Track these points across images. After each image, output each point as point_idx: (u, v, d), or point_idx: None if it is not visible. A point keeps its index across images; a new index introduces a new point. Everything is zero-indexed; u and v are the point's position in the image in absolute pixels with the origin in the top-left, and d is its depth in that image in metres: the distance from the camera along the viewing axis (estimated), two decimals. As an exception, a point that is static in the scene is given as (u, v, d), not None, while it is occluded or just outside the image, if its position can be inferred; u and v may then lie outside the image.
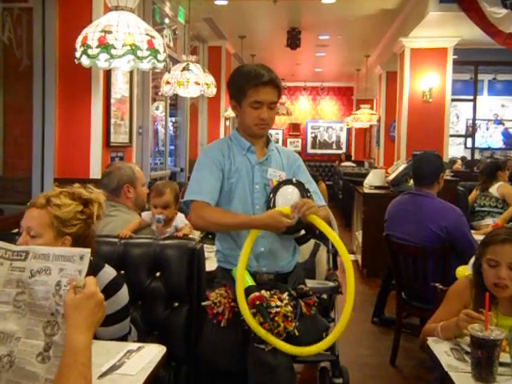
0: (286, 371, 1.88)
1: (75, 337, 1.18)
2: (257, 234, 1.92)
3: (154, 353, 1.68)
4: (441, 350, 1.78)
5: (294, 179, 2.04)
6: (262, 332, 1.84)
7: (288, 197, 1.96)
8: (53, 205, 1.72)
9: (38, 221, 1.72)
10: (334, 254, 3.14)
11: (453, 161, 9.47)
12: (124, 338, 1.86)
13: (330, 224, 3.08)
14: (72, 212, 1.74)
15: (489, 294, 1.75)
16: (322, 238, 3.16)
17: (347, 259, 1.90)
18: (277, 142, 13.63)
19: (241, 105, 2.04)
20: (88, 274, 1.68)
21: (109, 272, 1.83)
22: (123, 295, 1.84)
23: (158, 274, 2.17)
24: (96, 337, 1.73)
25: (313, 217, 1.90)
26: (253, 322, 1.84)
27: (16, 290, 1.26)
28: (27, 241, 1.71)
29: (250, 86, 1.99)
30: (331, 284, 2.81)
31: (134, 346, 1.72)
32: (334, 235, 1.97)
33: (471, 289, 2.00)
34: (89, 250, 1.25)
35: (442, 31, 6.88)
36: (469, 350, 1.66)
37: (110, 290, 1.78)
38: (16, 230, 3.12)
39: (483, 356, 1.54)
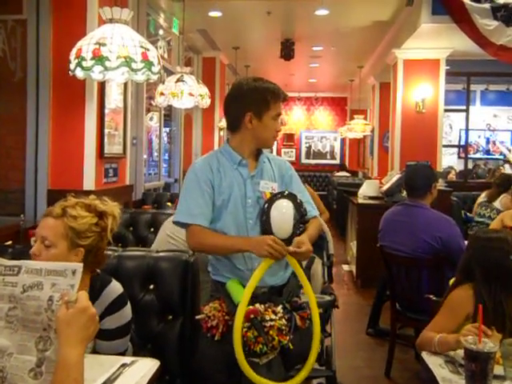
0: (280, 385, 1.87)
1: (67, 352, 1.17)
2: (267, 267, 1.91)
3: (147, 367, 1.66)
4: (435, 362, 1.78)
5: (286, 192, 2.04)
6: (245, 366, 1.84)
7: (283, 210, 1.96)
8: (69, 216, 1.74)
9: (54, 230, 1.74)
10: (329, 266, 3.13)
11: (447, 171, 9.49)
12: (122, 354, 1.85)
13: (323, 235, 3.11)
14: (87, 224, 1.76)
15: (482, 307, 1.75)
16: (317, 251, 3.15)
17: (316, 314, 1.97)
18: (271, 152, 13.61)
19: (261, 118, 2.07)
20: (96, 288, 1.72)
21: (116, 287, 1.84)
22: (127, 312, 1.85)
23: (151, 286, 2.16)
24: (95, 350, 1.75)
25: (293, 262, 1.96)
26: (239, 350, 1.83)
27: (8, 305, 1.25)
28: (41, 249, 1.73)
29: (275, 100, 2.10)
30: (328, 298, 2.80)
31: (127, 359, 1.71)
32: (309, 287, 2.01)
33: (474, 296, 2.02)
34: (81, 265, 1.24)
35: (434, 43, 6.94)
36: (463, 362, 1.66)
37: (115, 305, 1.80)
38: (9, 242, 3.12)
39: (477, 369, 1.54)
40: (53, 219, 1.75)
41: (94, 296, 1.75)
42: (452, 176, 9.69)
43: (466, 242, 3.36)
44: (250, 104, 2.08)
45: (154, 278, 2.17)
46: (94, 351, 1.79)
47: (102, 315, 1.75)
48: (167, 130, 7.96)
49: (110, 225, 1.81)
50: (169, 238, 3.01)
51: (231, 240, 2.01)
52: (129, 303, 1.87)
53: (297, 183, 2.17)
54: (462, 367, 1.68)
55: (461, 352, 1.70)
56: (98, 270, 1.87)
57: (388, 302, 3.87)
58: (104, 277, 1.87)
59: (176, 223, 2.09)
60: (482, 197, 5.09)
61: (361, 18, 7.12)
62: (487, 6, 5.54)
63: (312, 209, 2.13)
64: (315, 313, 1.98)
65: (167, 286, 2.17)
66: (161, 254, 2.27)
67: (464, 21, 5.66)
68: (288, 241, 1.92)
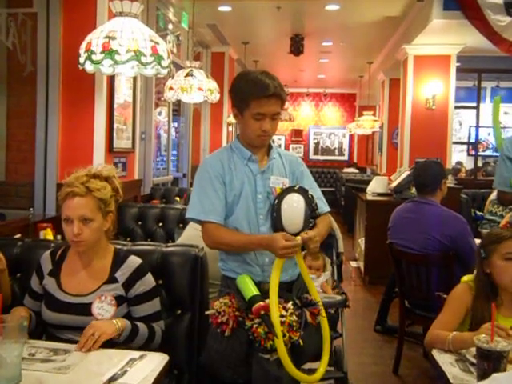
0: (290, 382, 1.86)
1: None
2: (282, 264, 1.90)
3: (156, 361, 1.67)
4: (446, 360, 1.76)
5: (297, 186, 2.02)
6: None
7: (294, 205, 1.94)
8: (95, 190, 1.95)
9: (88, 207, 1.93)
10: (339, 265, 3.10)
11: (457, 169, 9.41)
12: (157, 317, 2.01)
13: (332, 232, 3.08)
14: (109, 191, 2.01)
15: (494, 305, 1.74)
16: (326, 249, 3.13)
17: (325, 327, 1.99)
18: (279, 147, 13.60)
19: (243, 115, 2.02)
20: (120, 257, 2.02)
21: (137, 258, 2.04)
22: (152, 278, 2.04)
23: (160, 281, 2.15)
24: (130, 315, 1.93)
25: (300, 261, 1.96)
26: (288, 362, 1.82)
27: None
28: (82, 228, 1.91)
29: (254, 97, 1.95)
30: (339, 298, 2.76)
31: (136, 354, 1.72)
32: (312, 286, 2.02)
33: (471, 293, 2.05)
34: None
35: (445, 38, 6.88)
36: (474, 361, 1.64)
37: (141, 271, 2.01)
38: (19, 236, 3.12)
39: (489, 368, 1.52)
40: (81, 198, 1.93)
41: (119, 264, 2.00)
42: (462, 174, 9.62)
43: (476, 240, 3.36)
44: (234, 99, 2.06)
45: (163, 272, 2.17)
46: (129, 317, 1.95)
47: (131, 281, 1.97)
48: (176, 124, 7.96)
49: (118, 184, 2.06)
50: (198, 232, 3.02)
51: (246, 239, 1.99)
52: (149, 273, 2.04)
53: (308, 179, 2.15)
54: (473, 366, 1.67)
55: (472, 350, 1.69)
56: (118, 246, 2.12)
57: (396, 299, 3.85)
58: (124, 251, 2.10)
59: (189, 219, 2.08)
60: (494, 194, 5.02)
61: (371, 13, 7.08)
62: (500, 1, 5.48)
63: (323, 205, 2.11)
64: (322, 311, 1.99)
65: (176, 280, 2.17)
66: (170, 248, 2.27)
67: (476, 17, 5.60)
68: (298, 236, 1.91)
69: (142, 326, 1.92)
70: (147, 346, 1.90)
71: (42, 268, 2.04)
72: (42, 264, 2.05)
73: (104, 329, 1.77)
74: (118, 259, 2.02)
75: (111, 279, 1.97)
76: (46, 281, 2.01)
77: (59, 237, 3.25)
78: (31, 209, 3.72)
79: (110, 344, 1.80)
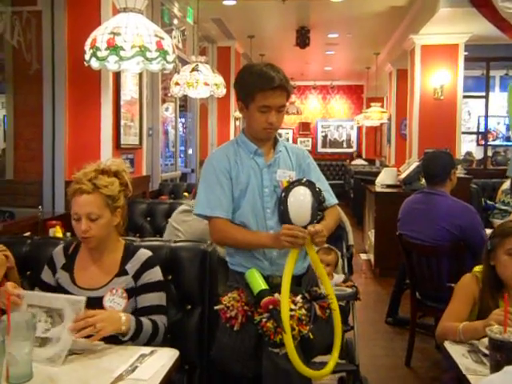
0: (300, 376, 1.85)
1: None
2: (295, 260, 1.89)
3: (167, 357, 1.67)
4: (458, 352, 1.75)
5: (304, 179, 2.00)
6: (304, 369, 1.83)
7: (300, 198, 1.92)
8: (102, 187, 1.94)
9: (96, 204, 1.93)
10: (349, 258, 3.08)
11: (469, 160, 9.33)
12: (160, 310, 1.98)
13: (342, 225, 3.06)
14: (117, 187, 1.99)
15: (507, 296, 1.72)
16: (336, 242, 3.11)
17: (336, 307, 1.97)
18: (287, 141, 13.58)
19: (248, 108, 2.01)
20: (130, 251, 2.03)
21: (147, 250, 2.05)
22: (160, 271, 2.03)
23: (169, 277, 2.15)
24: (136, 306, 1.93)
25: (312, 252, 1.94)
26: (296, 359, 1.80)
27: None
28: (90, 225, 1.92)
29: (259, 90, 1.94)
30: (349, 290, 2.76)
31: (146, 349, 1.71)
32: (326, 278, 2.00)
33: (477, 283, 2.04)
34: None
35: (452, 27, 6.82)
36: (487, 352, 1.62)
37: (150, 262, 2.01)
38: (28, 234, 3.13)
39: (502, 359, 1.50)
40: (89, 195, 1.92)
41: (129, 256, 2.00)
42: (473, 166, 9.57)
43: (486, 230, 3.33)
44: (239, 92, 2.05)
45: (172, 267, 2.17)
46: (136, 309, 1.94)
47: (139, 272, 1.97)
48: (183, 120, 7.96)
49: (128, 179, 2.05)
50: (174, 230, 3.02)
51: (252, 236, 1.99)
52: (158, 267, 2.03)
53: (315, 172, 2.14)
54: (485, 357, 1.65)
55: (485, 341, 1.67)
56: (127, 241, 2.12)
57: (407, 291, 3.83)
58: (134, 245, 2.11)
59: (196, 215, 2.08)
60: (506, 184, 4.97)
61: (377, 4, 7.03)
62: (508, -12, 5.41)
63: (331, 197, 2.10)
64: (335, 305, 1.97)
65: (185, 275, 2.17)
66: (179, 243, 2.26)
67: (483, 4, 5.53)
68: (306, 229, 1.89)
69: (146, 322, 1.91)
70: (150, 342, 1.89)
71: (55, 261, 2.05)
72: (54, 257, 2.06)
73: (107, 323, 1.74)
74: (129, 252, 2.02)
75: (122, 272, 1.98)
76: (59, 274, 2.02)
77: (68, 234, 3.26)
78: (40, 207, 3.74)
79: (115, 342, 1.79)
